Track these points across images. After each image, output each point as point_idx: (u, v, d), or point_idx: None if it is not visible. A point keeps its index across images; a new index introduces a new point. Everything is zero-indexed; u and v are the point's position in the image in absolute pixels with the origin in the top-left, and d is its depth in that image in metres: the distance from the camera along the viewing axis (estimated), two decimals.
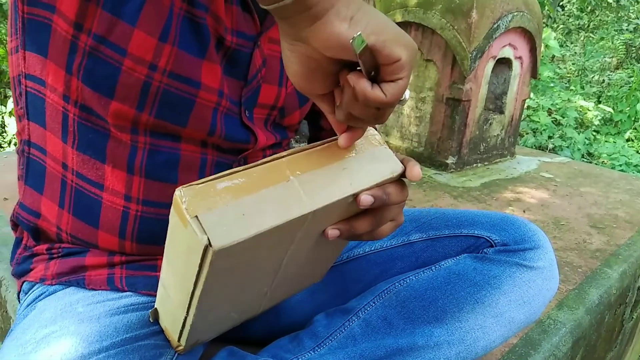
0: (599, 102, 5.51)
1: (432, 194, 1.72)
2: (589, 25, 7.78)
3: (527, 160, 2.23)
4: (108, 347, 0.51)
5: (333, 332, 0.62)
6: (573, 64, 6.88)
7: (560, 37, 7.58)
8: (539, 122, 4.45)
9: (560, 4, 7.77)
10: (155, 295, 0.57)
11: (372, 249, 0.72)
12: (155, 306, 0.56)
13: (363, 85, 0.39)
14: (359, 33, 0.36)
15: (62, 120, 0.56)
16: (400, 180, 0.50)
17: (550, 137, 4.38)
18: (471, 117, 1.92)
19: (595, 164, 4.03)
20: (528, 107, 4.70)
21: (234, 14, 0.58)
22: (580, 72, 6.62)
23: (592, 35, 7.56)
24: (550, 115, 4.68)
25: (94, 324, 0.53)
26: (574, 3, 7.82)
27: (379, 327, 0.61)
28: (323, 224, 0.48)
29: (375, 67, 0.39)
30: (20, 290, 0.64)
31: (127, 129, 0.56)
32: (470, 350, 0.60)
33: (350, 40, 0.36)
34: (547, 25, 7.00)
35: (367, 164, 0.48)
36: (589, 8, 7.62)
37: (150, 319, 0.56)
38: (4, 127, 3.66)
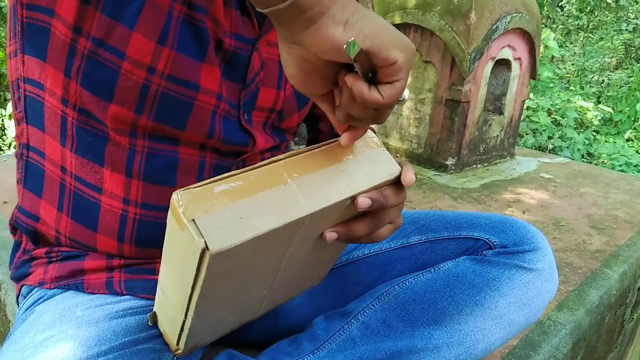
0: (599, 102, 5.51)
1: (431, 195, 1.72)
2: (588, 26, 7.79)
3: (526, 161, 2.23)
4: (107, 351, 0.51)
5: (332, 335, 0.62)
6: (572, 64, 6.88)
7: (560, 37, 7.58)
8: (538, 122, 4.45)
9: (560, 4, 7.78)
10: (154, 299, 0.57)
11: (371, 251, 0.72)
12: (153, 310, 0.56)
13: (360, 87, 0.39)
14: (352, 39, 0.36)
15: (61, 123, 0.56)
16: (398, 182, 0.50)
17: (550, 138, 4.38)
18: (470, 118, 1.92)
19: (595, 164, 4.03)
20: (527, 108, 4.70)
21: (233, 17, 0.58)
22: (579, 73, 6.63)
23: (592, 36, 7.57)
24: (549, 115, 4.68)
25: (93, 327, 0.53)
26: (573, 3, 7.83)
27: (378, 329, 0.61)
28: (321, 226, 0.48)
29: (372, 69, 0.39)
30: (19, 293, 0.64)
31: (126, 132, 0.56)
32: (470, 352, 0.60)
33: (344, 46, 0.36)
34: (546, 25, 7.00)
35: (365, 167, 0.48)
36: (588, 8, 7.63)
37: (149, 323, 0.56)
38: (3, 130, 3.66)
